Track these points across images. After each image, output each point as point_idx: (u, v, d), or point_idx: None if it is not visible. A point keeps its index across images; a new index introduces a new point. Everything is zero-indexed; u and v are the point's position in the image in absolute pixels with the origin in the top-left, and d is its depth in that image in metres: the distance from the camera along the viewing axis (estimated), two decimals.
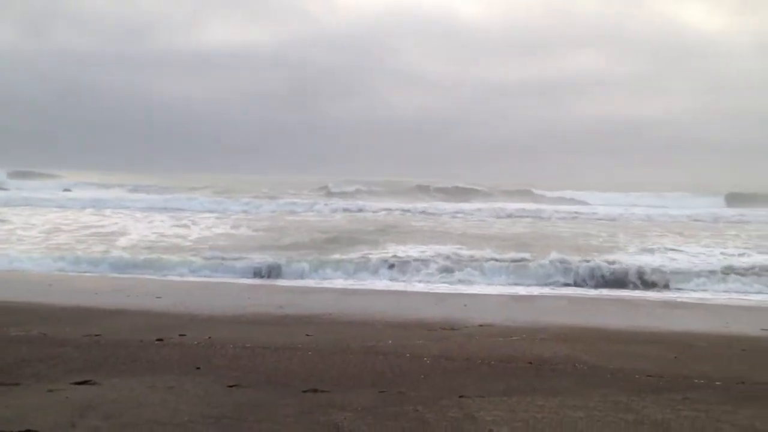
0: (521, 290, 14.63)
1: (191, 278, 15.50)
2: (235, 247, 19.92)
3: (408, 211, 34.74)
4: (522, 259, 16.79)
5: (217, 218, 30.51)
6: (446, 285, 15.13)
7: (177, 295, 12.87)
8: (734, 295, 14.31)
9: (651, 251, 19.17)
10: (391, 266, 16.48)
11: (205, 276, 15.75)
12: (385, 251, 18.70)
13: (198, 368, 6.88)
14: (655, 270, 15.73)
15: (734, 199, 49.04)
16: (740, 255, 17.84)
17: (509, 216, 32.96)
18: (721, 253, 18.32)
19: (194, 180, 68.49)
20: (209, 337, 8.59)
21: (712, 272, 15.46)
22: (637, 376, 6.94)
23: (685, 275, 15.43)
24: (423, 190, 52.43)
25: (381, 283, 15.23)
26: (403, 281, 15.51)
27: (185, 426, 5.01)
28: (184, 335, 8.70)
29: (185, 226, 26.77)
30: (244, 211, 34.26)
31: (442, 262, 16.72)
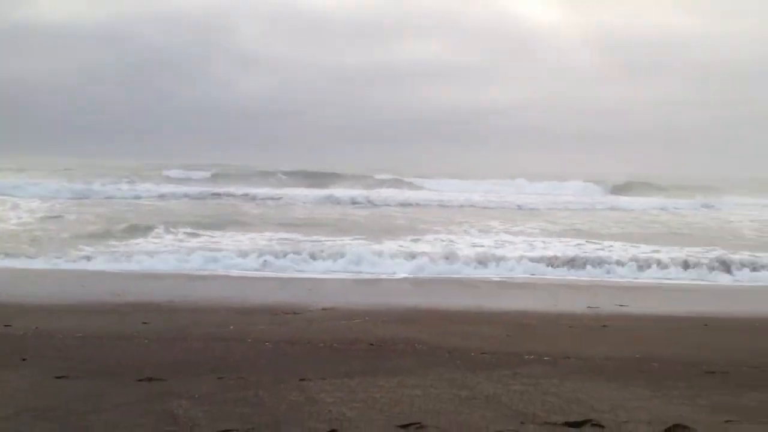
0: (366, 275, 14.82)
1: (18, 265, 14.52)
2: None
3: (249, 195, 34.01)
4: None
5: None
6: (293, 269, 15.06)
7: (1, 284, 12.05)
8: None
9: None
10: None
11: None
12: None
13: (24, 360, 6.50)
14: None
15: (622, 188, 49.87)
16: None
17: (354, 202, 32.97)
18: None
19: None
20: (36, 328, 8.11)
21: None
22: (472, 354, 7.23)
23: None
24: (268, 175, 51.60)
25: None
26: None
27: (10, 420, 4.72)
28: (9, 326, 8.17)
29: None
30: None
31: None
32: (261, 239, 18.49)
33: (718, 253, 16.81)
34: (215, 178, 47.89)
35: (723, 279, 14.84)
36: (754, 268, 15.28)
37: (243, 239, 18.55)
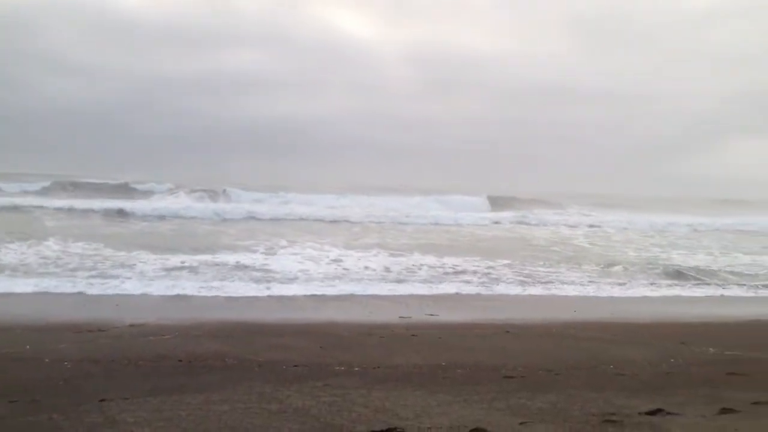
0: (178, 289, 14.37)
1: None
2: None
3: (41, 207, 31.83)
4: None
5: None
6: (99, 284, 14.30)
7: None
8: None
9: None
10: None
11: None
12: None
13: None
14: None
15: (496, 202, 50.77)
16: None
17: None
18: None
19: None
20: None
21: None
22: (284, 367, 7.23)
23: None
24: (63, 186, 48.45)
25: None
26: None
27: None
28: None
29: None
30: None
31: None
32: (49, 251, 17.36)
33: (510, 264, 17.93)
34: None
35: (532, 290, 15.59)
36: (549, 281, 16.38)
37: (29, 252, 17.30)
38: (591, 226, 34.94)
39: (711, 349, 9.07)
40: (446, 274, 16.57)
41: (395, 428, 5.09)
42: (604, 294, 14.91)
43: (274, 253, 19.18)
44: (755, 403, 6.28)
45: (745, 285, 16.90)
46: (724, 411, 5.99)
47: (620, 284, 16.27)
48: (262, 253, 19.22)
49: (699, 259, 21.76)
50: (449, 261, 18.38)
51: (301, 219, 32.97)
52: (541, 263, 19.07)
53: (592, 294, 14.86)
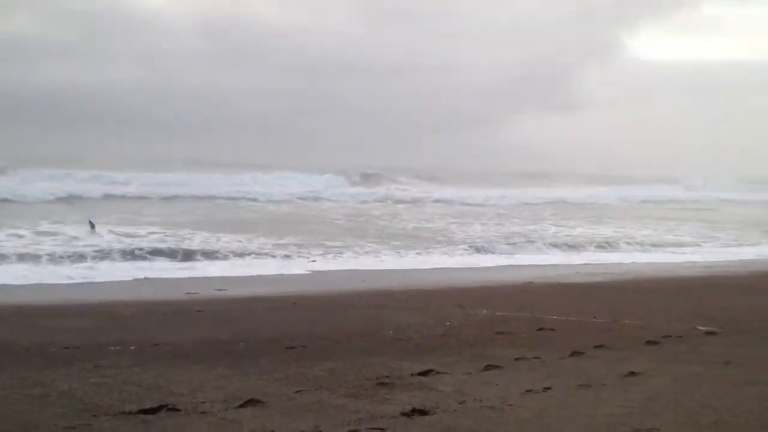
0: None
1: None
2: None
3: None
4: None
5: None
6: None
7: None
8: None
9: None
10: None
11: None
12: None
13: None
14: None
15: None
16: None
17: None
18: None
19: None
20: None
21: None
22: (53, 350, 6.89)
23: None
24: None
25: None
26: None
27: None
28: None
29: None
30: None
31: None
32: None
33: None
34: None
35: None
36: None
37: None
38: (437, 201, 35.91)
39: (484, 311, 9.74)
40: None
41: (167, 405, 5.01)
42: (392, 265, 15.51)
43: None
44: (517, 358, 6.84)
45: (528, 252, 18.30)
46: (489, 367, 6.47)
47: (417, 254, 17.05)
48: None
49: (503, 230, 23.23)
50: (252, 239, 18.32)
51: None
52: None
53: (385, 266, 15.34)
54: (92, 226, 18.33)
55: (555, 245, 19.64)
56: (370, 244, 18.16)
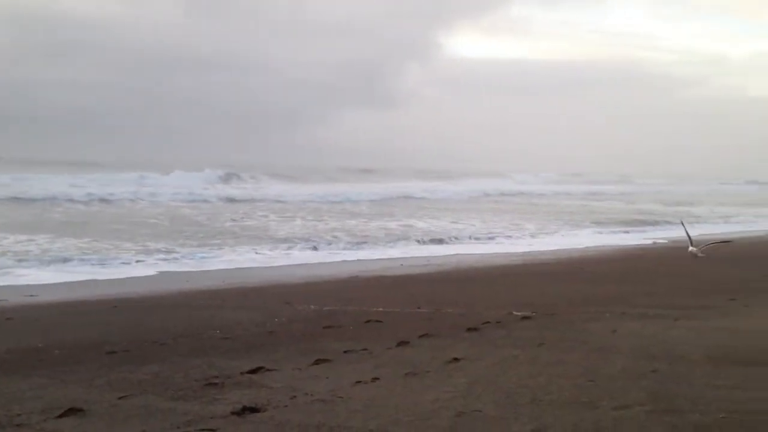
0: None
1: None
2: None
3: None
4: None
5: None
6: None
7: None
8: None
9: None
10: None
11: None
12: None
13: None
14: None
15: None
16: None
17: None
18: None
19: None
20: None
21: None
22: None
23: None
24: None
25: None
26: None
27: None
28: None
29: None
30: None
31: None
32: None
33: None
34: None
35: None
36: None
37: None
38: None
39: (312, 306, 9.82)
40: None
41: None
42: (216, 264, 15.21)
43: None
44: (346, 351, 6.98)
45: (353, 248, 18.57)
46: (318, 362, 6.56)
47: (246, 252, 16.80)
48: None
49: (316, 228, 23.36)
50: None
51: None
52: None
53: (206, 267, 14.97)
54: None
55: (380, 239, 20.11)
56: (189, 243, 17.69)
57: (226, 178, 47.24)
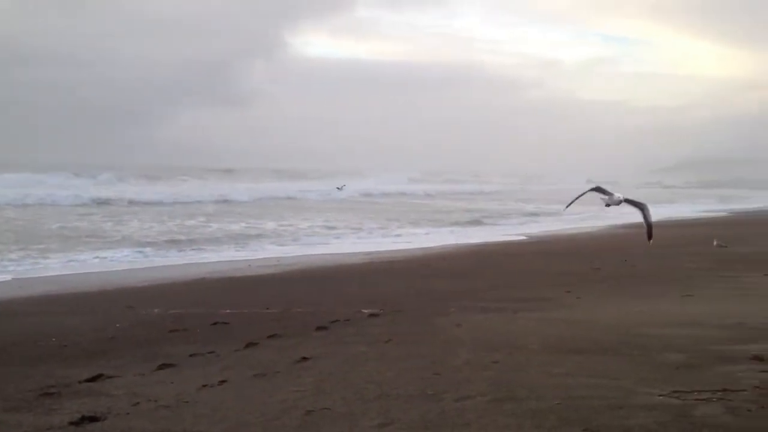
0: None
1: None
2: None
3: None
4: None
5: None
6: None
7: None
8: None
9: None
10: None
11: None
12: None
13: None
14: None
15: None
16: None
17: None
18: None
19: None
20: None
21: None
22: None
23: None
24: None
25: None
26: None
27: None
28: None
29: None
30: None
31: None
32: None
33: None
34: None
35: None
36: None
37: None
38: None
39: (156, 309, 9.55)
40: None
41: None
42: (51, 271, 14.45)
43: None
44: (192, 355, 6.86)
45: (203, 249, 18.15)
46: (163, 366, 6.41)
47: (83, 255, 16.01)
48: None
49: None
50: None
51: None
52: None
53: (39, 273, 14.14)
54: None
55: (230, 240, 19.80)
56: (19, 248, 16.67)
57: (69, 179, 44.79)
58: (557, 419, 4.63)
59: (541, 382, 5.50)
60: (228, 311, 9.27)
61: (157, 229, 22.09)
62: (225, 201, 37.31)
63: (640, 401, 4.94)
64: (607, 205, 8.56)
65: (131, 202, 33.43)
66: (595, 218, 31.67)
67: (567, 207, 10.22)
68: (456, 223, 27.26)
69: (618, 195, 8.01)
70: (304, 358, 6.46)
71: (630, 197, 8.37)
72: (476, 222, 28.17)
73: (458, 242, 20.67)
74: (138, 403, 5.19)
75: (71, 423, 4.72)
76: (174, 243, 18.64)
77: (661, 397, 5.02)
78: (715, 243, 16.99)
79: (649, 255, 15.73)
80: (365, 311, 9.07)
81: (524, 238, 22.10)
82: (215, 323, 8.51)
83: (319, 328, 7.98)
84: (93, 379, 5.90)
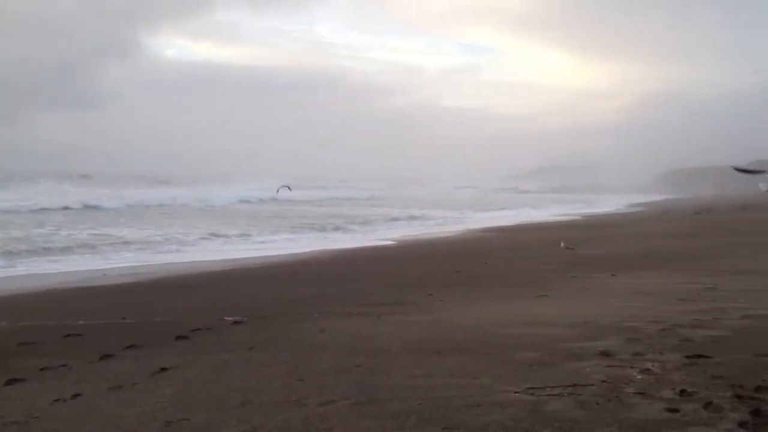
0: None
1: None
2: None
3: None
4: None
5: None
6: None
7: None
8: None
9: None
10: None
11: None
12: None
13: None
14: None
15: None
16: None
17: None
18: None
19: None
20: None
21: None
22: None
23: None
24: None
25: None
26: None
27: None
28: None
29: None
30: None
31: None
32: None
33: None
34: None
35: None
36: None
37: None
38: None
39: (3, 322, 9.04)
40: None
41: None
42: None
43: None
44: (43, 368, 6.55)
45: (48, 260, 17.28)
46: (11, 381, 6.09)
47: None
48: None
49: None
50: None
51: None
52: None
53: None
54: None
55: (85, 248, 18.99)
56: None
57: None
58: (418, 419, 4.74)
59: (403, 383, 5.61)
60: (82, 322, 8.90)
61: (3, 237, 20.85)
62: (89, 207, 35.79)
63: (497, 399, 5.13)
64: None
65: None
66: (456, 222, 32.68)
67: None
68: (322, 229, 27.33)
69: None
70: (163, 369, 6.30)
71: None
72: (342, 227, 28.35)
73: (324, 248, 20.71)
74: None
75: None
76: (22, 252, 17.66)
77: (516, 394, 5.23)
78: (562, 245, 17.87)
79: (506, 258, 16.39)
80: (228, 319, 8.93)
81: (389, 242, 22.45)
82: (68, 335, 8.15)
83: (179, 338, 7.80)
84: None
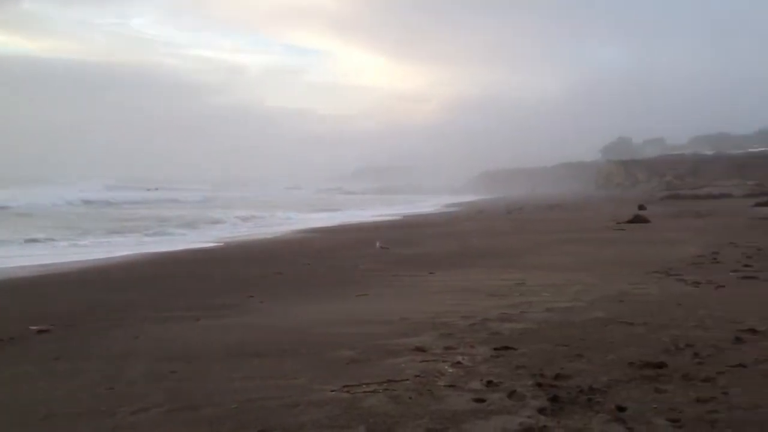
0: None
1: None
2: None
3: None
4: None
5: None
6: None
7: None
8: None
9: None
10: None
11: None
12: None
13: None
14: None
15: None
16: None
17: None
18: None
19: None
20: None
21: None
22: None
23: None
24: None
25: None
26: None
27: None
28: None
29: None
30: None
31: None
32: None
33: None
34: None
35: None
36: None
37: None
38: None
39: None
40: None
41: None
42: None
43: None
44: None
45: None
46: None
47: None
48: None
49: None
50: None
51: None
52: None
53: None
54: None
55: None
56: None
57: None
58: (234, 423, 4.71)
59: (220, 387, 5.55)
60: None
61: None
62: None
63: (313, 398, 5.20)
64: None
65: None
66: (283, 224, 32.64)
67: None
68: (141, 232, 26.32)
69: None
70: None
71: None
72: (163, 230, 27.46)
73: (142, 251, 19.95)
74: None
75: None
76: None
77: (332, 392, 5.32)
78: (378, 245, 18.32)
79: (329, 258, 16.56)
80: (33, 328, 8.41)
81: (212, 245, 22.01)
82: None
83: None
84: None
